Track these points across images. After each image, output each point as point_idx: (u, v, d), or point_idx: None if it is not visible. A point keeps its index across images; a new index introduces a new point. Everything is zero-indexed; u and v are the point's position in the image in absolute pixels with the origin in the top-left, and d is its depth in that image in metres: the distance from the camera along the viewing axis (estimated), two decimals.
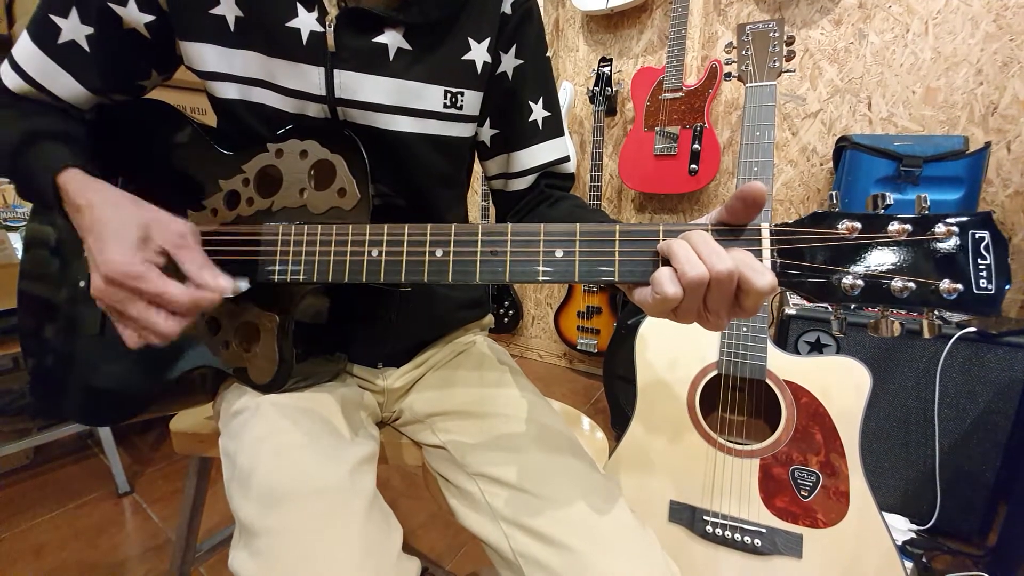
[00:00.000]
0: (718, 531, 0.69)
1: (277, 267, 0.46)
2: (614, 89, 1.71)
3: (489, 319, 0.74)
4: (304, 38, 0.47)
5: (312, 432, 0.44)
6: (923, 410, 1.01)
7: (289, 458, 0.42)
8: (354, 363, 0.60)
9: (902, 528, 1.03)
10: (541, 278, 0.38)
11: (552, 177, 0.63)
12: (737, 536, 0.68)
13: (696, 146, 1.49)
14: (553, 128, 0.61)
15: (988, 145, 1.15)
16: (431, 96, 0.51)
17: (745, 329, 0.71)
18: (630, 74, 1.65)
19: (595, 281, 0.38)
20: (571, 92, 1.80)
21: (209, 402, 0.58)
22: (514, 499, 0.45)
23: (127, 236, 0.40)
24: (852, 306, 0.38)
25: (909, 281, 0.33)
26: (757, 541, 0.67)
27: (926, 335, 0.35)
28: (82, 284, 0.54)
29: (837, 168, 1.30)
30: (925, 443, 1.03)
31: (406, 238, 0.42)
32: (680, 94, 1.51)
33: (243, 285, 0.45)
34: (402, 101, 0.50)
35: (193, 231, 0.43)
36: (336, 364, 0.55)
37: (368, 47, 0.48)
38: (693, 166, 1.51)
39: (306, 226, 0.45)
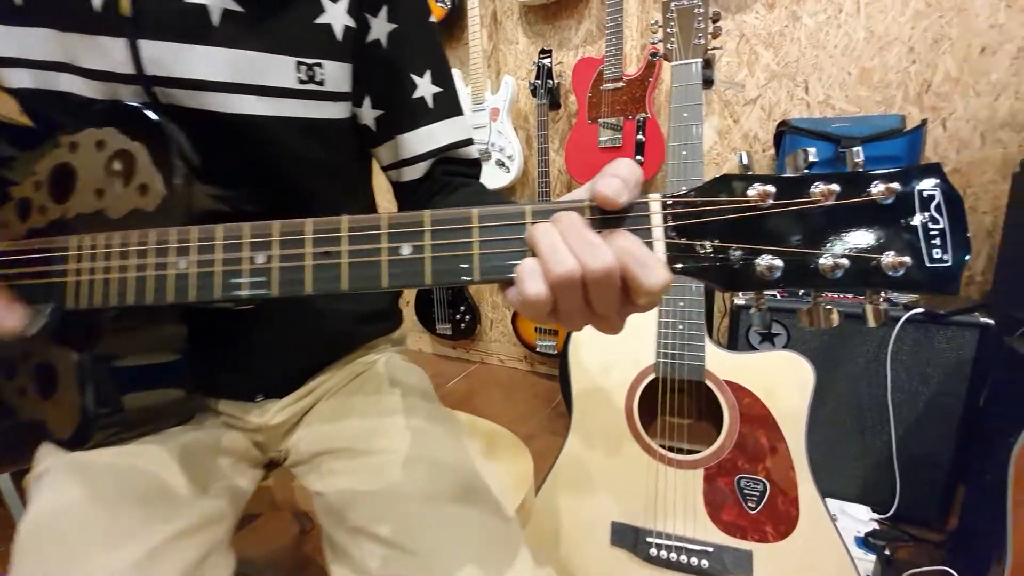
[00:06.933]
0: (663, 553, 0.63)
1: (68, 291, 0.36)
2: (556, 81, 1.66)
3: (402, 333, 0.66)
4: (95, 3, 0.37)
5: (112, 503, 0.35)
6: (876, 396, 0.98)
7: (59, 551, 0.32)
8: (220, 398, 0.50)
9: (864, 519, 0.99)
10: (385, 283, 0.30)
11: (452, 163, 0.55)
12: (683, 558, 0.62)
13: (640, 137, 1.45)
14: (447, 106, 0.53)
15: (924, 123, 1.15)
16: (280, 70, 0.43)
17: (681, 327, 0.65)
18: (571, 65, 1.60)
19: (453, 283, 0.30)
20: (513, 86, 1.73)
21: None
22: (388, 559, 0.37)
23: None
24: (768, 293, 0.31)
25: (840, 257, 0.26)
26: (704, 562, 0.61)
27: (871, 323, 0.29)
28: None
29: (778, 154, 1.28)
30: (881, 429, 1.00)
31: (220, 243, 0.33)
32: (621, 84, 1.46)
33: (40, 320, 0.36)
34: (242, 77, 0.41)
35: None
36: (185, 404, 0.45)
37: (178, 9, 0.39)
38: (639, 157, 1.46)
39: (101, 236, 0.35)
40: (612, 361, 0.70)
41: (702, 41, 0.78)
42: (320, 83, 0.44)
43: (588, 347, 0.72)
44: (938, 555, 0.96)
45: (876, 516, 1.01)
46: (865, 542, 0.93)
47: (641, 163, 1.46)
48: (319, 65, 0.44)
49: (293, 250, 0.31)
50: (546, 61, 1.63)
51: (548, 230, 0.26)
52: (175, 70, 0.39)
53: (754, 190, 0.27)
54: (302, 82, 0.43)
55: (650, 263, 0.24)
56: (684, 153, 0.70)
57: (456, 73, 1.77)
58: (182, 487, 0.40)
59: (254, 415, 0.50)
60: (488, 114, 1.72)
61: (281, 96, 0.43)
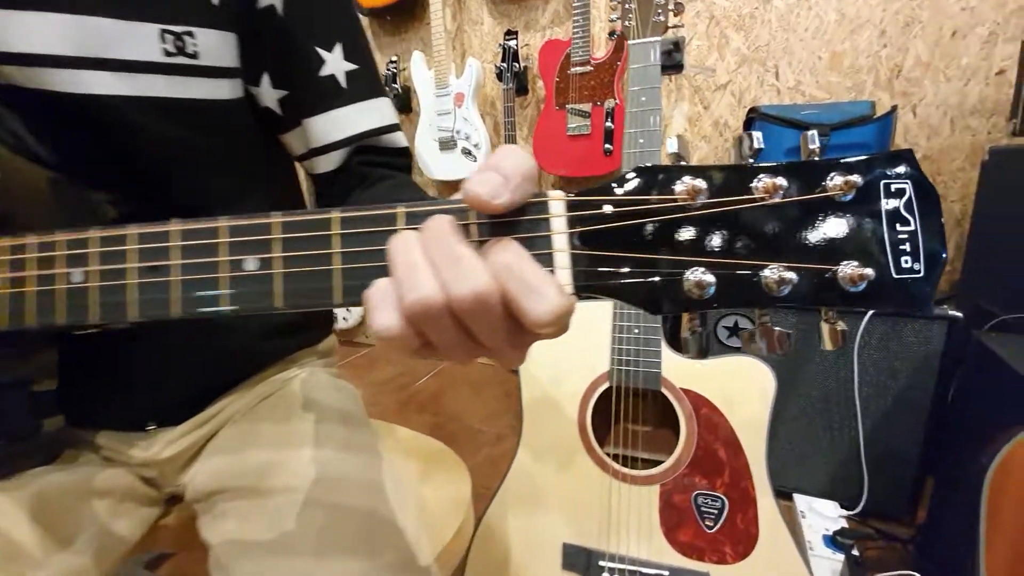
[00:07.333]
0: None
1: None
2: (522, 65, 1.58)
3: (329, 343, 0.59)
4: None
5: None
6: (844, 390, 0.96)
7: None
8: (99, 430, 0.43)
9: (832, 515, 0.98)
10: (225, 305, 0.24)
11: (373, 153, 0.48)
12: None
13: (609, 124, 1.39)
14: (364, 86, 0.46)
15: (894, 109, 1.11)
16: (139, 40, 0.35)
17: (636, 331, 0.59)
18: (539, 48, 1.53)
19: (311, 306, 0.24)
20: (478, 70, 1.65)
21: None
22: None
23: None
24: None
25: (787, 270, 0.21)
26: None
27: (827, 346, 0.24)
28: None
29: None
30: (849, 424, 0.98)
31: (33, 256, 0.26)
32: (589, 68, 1.40)
33: None
34: (90, 49, 0.34)
35: None
36: (46, 442, 0.38)
37: None
38: (608, 145, 1.40)
39: None
40: (564, 369, 0.65)
41: (662, 18, 0.72)
42: (192, 56, 0.37)
43: (538, 353, 0.67)
44: (907, 553, 0.94)
45: (845, 512, 0.99)
46: (833, 541, 0.91)
47: (610, 152, 1.41)
48: (189, 34, 0.37)
49: (114, 264, 0.25)
50: (512, 43, 1.55)
51: (408, 241, 0.20)
52: (4, 42, 0.32)
53: (682, 185, 0.21)
54: (169, 54, 0.36)
55: (539, 286, 0.19)
56: (641, 141, 0.64)
57: (418, 55, 1.68)
58: (31, 543, 0.34)
59: (138, 449, 0.43)
60: (452, 99, 1.63)
61: (142, 72, 0.36)
